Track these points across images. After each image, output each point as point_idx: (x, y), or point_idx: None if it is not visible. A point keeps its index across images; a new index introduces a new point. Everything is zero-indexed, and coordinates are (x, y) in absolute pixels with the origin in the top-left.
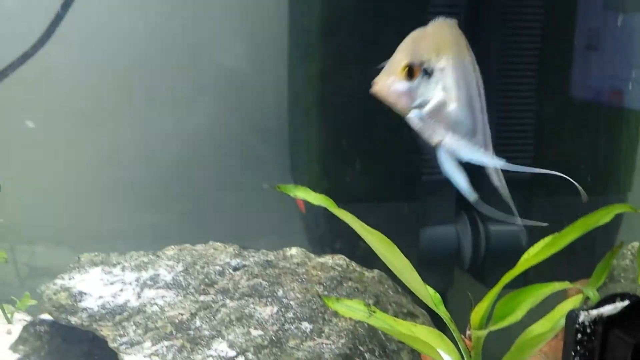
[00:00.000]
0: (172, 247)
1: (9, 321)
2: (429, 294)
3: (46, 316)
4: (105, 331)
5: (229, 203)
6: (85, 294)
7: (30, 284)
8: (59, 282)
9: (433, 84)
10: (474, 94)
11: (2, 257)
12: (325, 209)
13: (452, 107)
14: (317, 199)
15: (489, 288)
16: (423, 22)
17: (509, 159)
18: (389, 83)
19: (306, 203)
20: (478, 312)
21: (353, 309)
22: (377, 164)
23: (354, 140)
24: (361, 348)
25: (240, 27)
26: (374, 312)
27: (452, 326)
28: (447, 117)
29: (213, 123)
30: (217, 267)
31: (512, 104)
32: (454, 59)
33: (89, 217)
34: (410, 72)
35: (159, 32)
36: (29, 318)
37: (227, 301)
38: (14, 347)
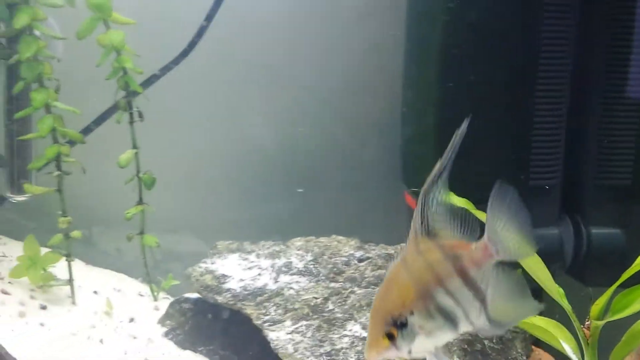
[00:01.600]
0: (299, 238)
1: (155, 298)
2: (555, 288)
3: (189, 294)
4: (249, 310)
5: (338, 200)
6: (227, 276)
7: (165, 267)
8: (203, 265)
9: (411, 332)
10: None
11: (154, 241)
12: None
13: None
14: (460, 202)
15: (588, 286)
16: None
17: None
18: (379, 356)
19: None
20: (598, 305)
21: None
22: (485, 167)
23: (468, 143)
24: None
25: (356, 30)
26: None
27: (573, 317)
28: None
29: (328, 125)
30: (343, 258)
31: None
32: (419, 304)
33: (216, 209)
34: (391, 336)
35: (276, 37)
36: (169, 297)
37: (355, 288)
38: (161, 322)
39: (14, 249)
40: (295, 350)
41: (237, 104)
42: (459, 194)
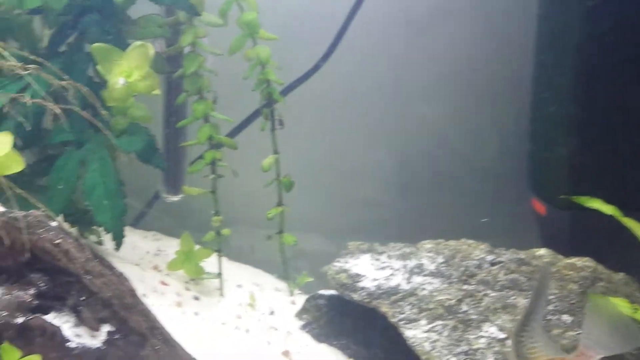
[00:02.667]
0: (428, 241)
1: (292, 294)
2: None
3: (324, 291)
4: (384, 308)
5: (465, 205)
6: (361, 275)
7: (294, 264)
8: (337, 264)
9: None
10: None
11: (293, 240)
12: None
13: None
14: (609, 209)
15: None
16: None
17: None
18: None
19: (548, 207)
20: None
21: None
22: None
23: (613, 149)
24: None
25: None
26: (637, 309)
27: None
28: None
29: (454, 130)
30: (474, 262)
31: None
32: None
33: (342, 211)
34: None
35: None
36: (302, 293)
37: (489, 291)
38: (298, 315)
39: (167, 244)
40: (433, 349)
41: (371, 109)
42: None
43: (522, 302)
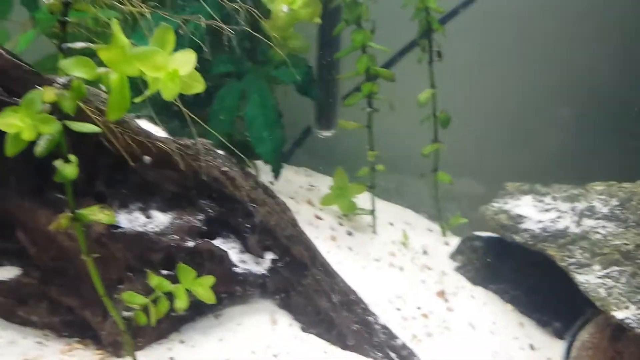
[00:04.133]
0: (598, 182)
1: (444, 234)
2: None
3: (480, 233)
4: (551, 251)
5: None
6: (523, 217)
7: (443, 206)
8: (496, 205)
9: None
10: None
11: (448, 179)
12: None
13: None
14: None
15: None
16: None
17: None
18: None
19: None
20: None
21: None
22: None
23: None
24: None
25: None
26: None
27: None
28: None
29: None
30: None
31: None
32: None
33: (491, 152)
34: None
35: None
36: (453, 235)
37: None
38: (453, 257)
39: (318, 180)
40: (609, 295)
41: (539, 45)
42: None
43: None
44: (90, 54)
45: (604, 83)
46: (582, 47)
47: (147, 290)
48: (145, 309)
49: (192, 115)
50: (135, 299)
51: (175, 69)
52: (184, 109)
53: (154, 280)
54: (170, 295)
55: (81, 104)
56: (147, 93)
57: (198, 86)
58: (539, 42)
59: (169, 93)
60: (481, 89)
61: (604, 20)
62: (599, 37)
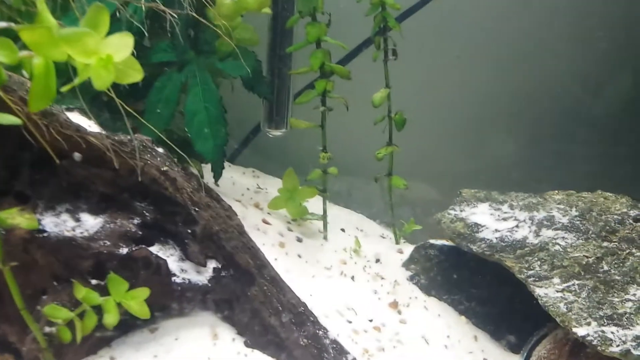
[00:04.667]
0: (556, 191)
1: (397, 242)
2: None
3: (434, 241)
4: (509, 262)
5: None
6: (480, 225)
7: (400, 212)
8: (452, 212)
9: None
10: None
11: (403, 184)
12: None
13: None
14: None
15: None
16: None
17: None
18: None
19: None
20: None
21: None
22: None
23: None
24: None
25: None
26: None
27: None
28: None
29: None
30: (615, 216)
31: None
32: None
33: (446, 157)
34: None
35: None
36: (406, 242)
37: (634, 250)
38: (406, 265)
39: (267, 182)
40: (569, 310)
41: (499, 44)
42: None
43: None
44: (13, 35)
45: (563, 88)
46: (544, 51)
47: (75, 302)
48: (70, 324)
49: (128, 108)
50: (58, 312)
51: (108, 55)
52: (118, 101)
53: (81, 291)
54: (99, 308)
55: (0, 92)
56: (76, 81)
57: (135, 74)
58: (499, 44)
59: (101, 81)
60: (438, 91)
61: (563, 25)
62: (563, 41)
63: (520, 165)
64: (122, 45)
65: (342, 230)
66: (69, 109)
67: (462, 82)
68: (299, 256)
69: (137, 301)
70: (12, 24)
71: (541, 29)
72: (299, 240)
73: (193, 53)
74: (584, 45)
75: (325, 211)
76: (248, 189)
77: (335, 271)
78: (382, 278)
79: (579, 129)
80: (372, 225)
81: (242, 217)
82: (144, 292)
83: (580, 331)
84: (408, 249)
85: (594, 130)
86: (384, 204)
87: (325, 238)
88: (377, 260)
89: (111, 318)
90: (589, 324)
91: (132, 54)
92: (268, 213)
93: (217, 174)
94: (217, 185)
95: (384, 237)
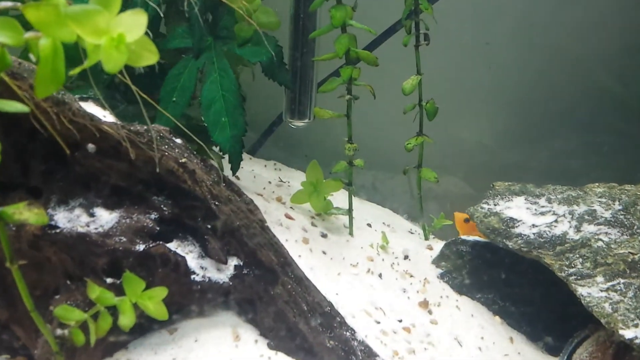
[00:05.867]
0: (597, 184)
1: (426, 237)
2: None
3: (466, 236)
4: (548, 260)
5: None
6: (516, 220)
7: (429, 206)
8: (485, 206)
9: None
10: None
11: (433, 176)
12: None
13: None
14: None
15: None
16: None
17: None
18: None
19: None
20: None
21: None
22: None
23: None
24: None
25: None
26: None
27: None
28: None
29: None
30: None
31: None
32: None
33: (475, 149)
34: None
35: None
36: (435, 237)
37: None
38: (436, 262)
39: (289, 175)
40: (615, 311)
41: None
42: None
43: None
44: (18, 15)
45: (599, 76)
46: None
47: (90, 302)
48: (84, 326)
49: (145, 96)
50: (70, 314)
51: (120, 34)
52: (133, 87)
53: (95, 291)
54: (115, 309)
55: (6, 78)
56: (86, 63)
57: (150, 56)
58: (533, 30)
59: (112, 64)
60: (469, 78)
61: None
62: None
63: (558, 157)
64: (135, 24)
65: (369, 225)
66: (82, 99)
67: (496, 69)
68: (324, 253)
69: (154, 301)
70: (17, 3)
71: (576, 14)
72: (324, 236)
73: (211, 39)
74: (622, 33)
75: (350, 205)
76: (270, 182)
77: (361, 268)
78: (412, 276)
79: (616, 119)
80: (400, 220)
81: (264, 211)
82: (161, 292)
83: (628, 333)
84: (438, 245)
85: (633, 120)
86: (412, 197)
87: (350, 234)
88: (406, 257)
89: (127, 319)
90: (636, 325)
91: (147, 34)
92: (291, 207)
93: (235, 165)
94: (237, 178)
95: (412, 233)
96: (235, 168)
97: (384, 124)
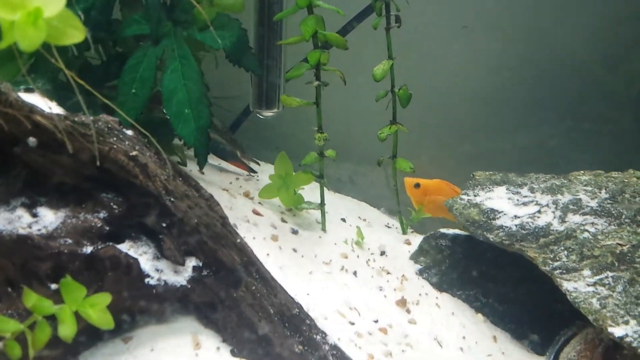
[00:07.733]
0: (582, 172)
1: (404, 232)
2: None
3: (445, 230)
4: (531, 253)
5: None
6: (497, 211)
7: (407, 198)
8: (465, 197)
9: None
10: None
11: (409, 166)
12: None
13: None
14: None
15: None
16: None
17: None
18: None
19: None
20: None
21: None
22: None
23: None
24: None
25: None
26: None
27: None
28: None
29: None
30: None
31: None
32: None
33: (451, 139)
34: None
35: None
36: (415, 232)
37: None
38: (414, 258)
39: (258, 168)
40: (604, 307)
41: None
42: None
43: None
44: None
45: (581, 60)
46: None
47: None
48: (22, 337)
49: (87, 86)
50: (5, 325)
51: (37, 7)
52: (69, 74)
53: (31, 299)
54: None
55: None
56: (1, 44)
57: (75, 33)
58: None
59: (28, 41)
60: (444, 64)
61: None
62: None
63: (537, 145)
64: None
65: (343, 220)
66: (28, 90)
67: (471, 54)
68: (294, 250)
69: (97, 309)
70: None
71: None
72: (294, 232)
73: (170, 24)
74: (603, 18)
75: (322, 199)
76: (237, 177)
77: (335, 266)
78: (388, 273)
79: (600, 105)
80: (376, 214)
81: (229, 207)
82: (104, 298)
83: (617, 331)
84: (416, 239)
85: (616, 105)
86: (389, 190)
87: (323, 229)
88: (382, 253)
89: (67, 329)
90: (626, 322)
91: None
92: (259, 203)
93: (201, 160)
94: (202, 174)
95: (389, 227)
96: (201, 163)
97: (362, 113)
